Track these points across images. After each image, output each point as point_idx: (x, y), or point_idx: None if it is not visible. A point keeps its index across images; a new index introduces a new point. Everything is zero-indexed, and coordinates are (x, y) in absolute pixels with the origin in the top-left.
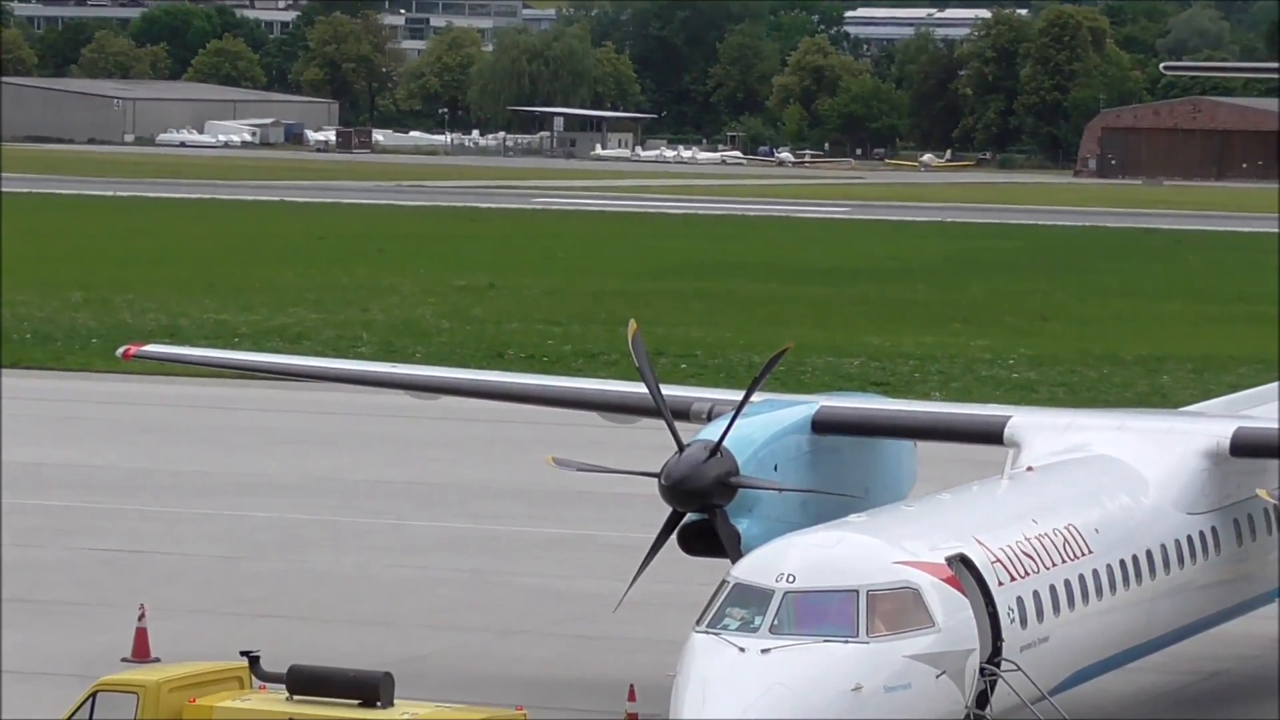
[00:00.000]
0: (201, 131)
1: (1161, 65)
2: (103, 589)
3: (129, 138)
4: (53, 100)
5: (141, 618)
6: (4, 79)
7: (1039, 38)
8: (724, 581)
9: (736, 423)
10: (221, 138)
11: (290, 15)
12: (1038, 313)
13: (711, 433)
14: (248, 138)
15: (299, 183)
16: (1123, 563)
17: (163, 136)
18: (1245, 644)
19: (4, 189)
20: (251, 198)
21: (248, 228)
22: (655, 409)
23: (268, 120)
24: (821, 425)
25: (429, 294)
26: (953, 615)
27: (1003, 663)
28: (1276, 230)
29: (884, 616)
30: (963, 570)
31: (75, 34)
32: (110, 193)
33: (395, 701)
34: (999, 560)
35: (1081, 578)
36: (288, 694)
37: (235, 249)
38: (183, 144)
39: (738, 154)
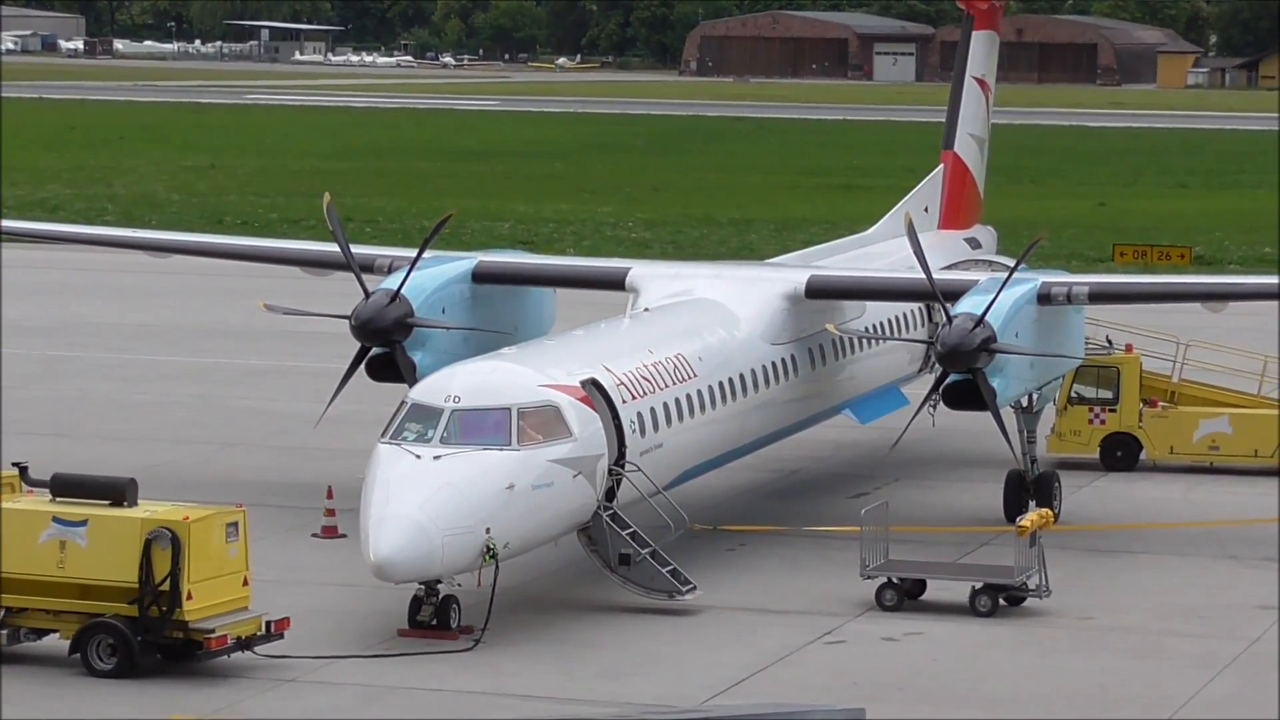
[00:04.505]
0: None
1: None
2: None
3: None
4: None
5: None
6: None
7: None
8: (403, 402)
9: (412, 275)
10: None
11: None
12: (650, 185)
13: (391, 283)
14: (11, 46)
15: (54, 83)
16: (721, 384)
17: None
18: (816, 448)
19: None
20: (14, 95)
21: (12, 120)
22: (346, 264)
23: (27, 32)
24: (480, 276)
25: (161, 172)
26: (586, 427)
27: (626, 464)
28: (839, 116)
29: (531, 429)
30: (594, 391)
31: None
32: None
33: (139, 501)
34: (623, 383)
35: (689, 396)
36: (51, 496)
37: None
38: None
39: (410, 59)
